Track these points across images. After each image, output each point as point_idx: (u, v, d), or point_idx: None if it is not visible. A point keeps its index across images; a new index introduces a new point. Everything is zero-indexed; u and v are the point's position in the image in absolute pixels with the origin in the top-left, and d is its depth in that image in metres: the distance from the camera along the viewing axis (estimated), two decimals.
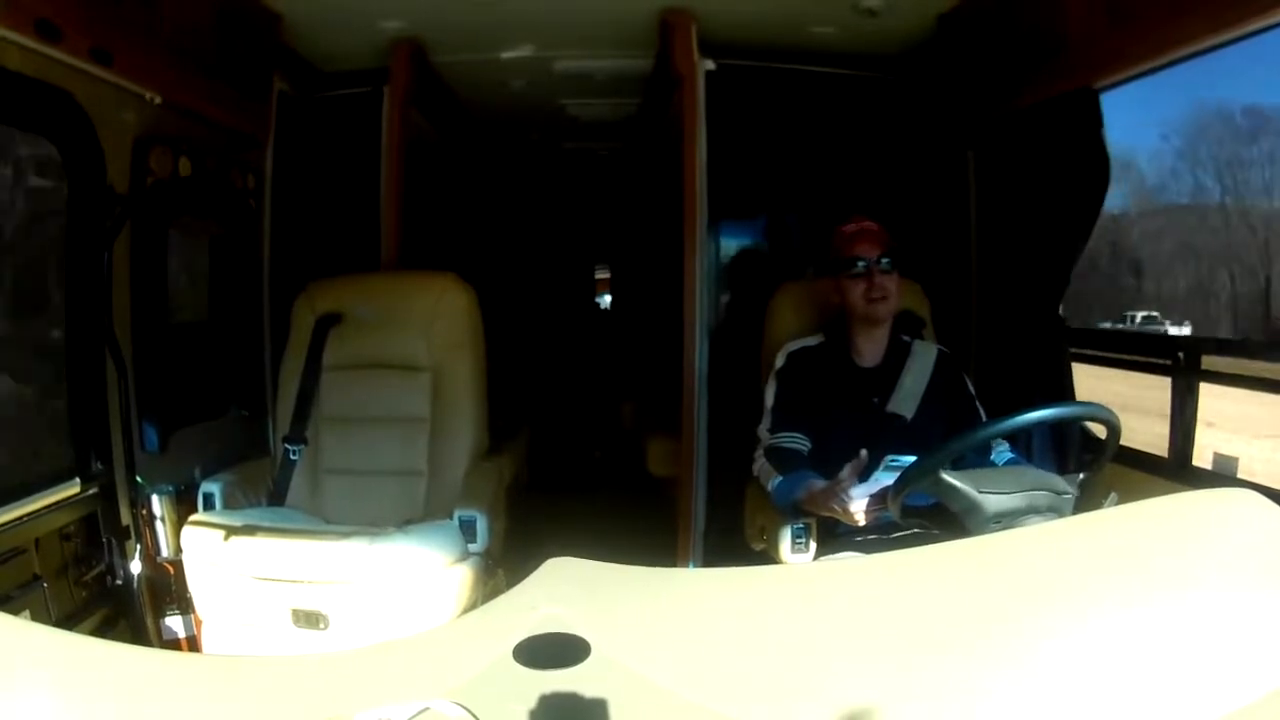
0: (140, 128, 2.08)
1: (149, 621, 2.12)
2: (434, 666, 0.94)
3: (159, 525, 2.15)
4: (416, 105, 3.07)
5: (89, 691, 0.91)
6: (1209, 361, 2.03)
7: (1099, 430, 1.70)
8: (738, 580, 1.17)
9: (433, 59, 3.06)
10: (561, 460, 4.64)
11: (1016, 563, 1.13)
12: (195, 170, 2.27)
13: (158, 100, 2.09)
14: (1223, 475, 1.95)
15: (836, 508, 1.68)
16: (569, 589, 1.04)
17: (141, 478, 2.13)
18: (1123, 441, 1.59)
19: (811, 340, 2.10)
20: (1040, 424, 1.86)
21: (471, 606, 1.91)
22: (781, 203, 3.20)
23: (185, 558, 1.98)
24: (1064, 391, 2.36)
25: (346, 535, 1.92)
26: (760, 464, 2.00)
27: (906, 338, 2.08)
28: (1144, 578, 1.02)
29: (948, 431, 1.88)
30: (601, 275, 6.62)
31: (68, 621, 1.88)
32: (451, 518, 2.11)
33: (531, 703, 0.83)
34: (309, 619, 1.86)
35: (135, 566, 2.09)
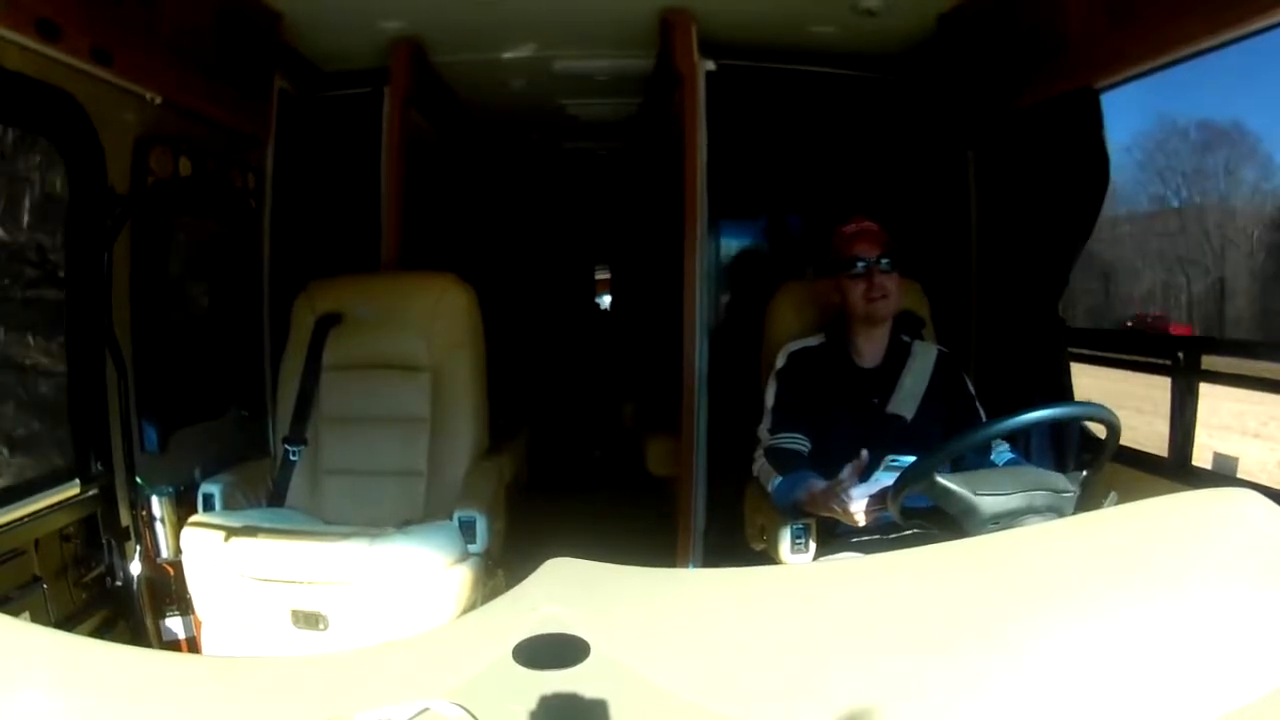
0: (140, 127, 2.08)
1: (149, 622, 2.12)
2: (434, 667, 0.94)
3: (159, 526, 2.14)
4: (417, 105, 3.07)
5: (89, 693, 0.91)
6: (1209, 361, 2.04)
7: (1099, 430, 1.70)
8: (737, 580, 1.17)
9: (433, 59, 3.06)
10: (561, 460, 4.64)
11: (1016, 563, 1.13)
12: (196, 170, 2.27)
13: (158, 100, 2.09)
14: (1223, 475, 1.95)
15: (837, 508, 1.68)
16: (569, 589, 1.04)
17: (141, 479, 2.13)
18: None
19: (812, 340, 2.10)
20: (1040, 424, 1.86)
21: (471, 607, 1.91)
22: (782, 203, 3.19)
23: (185, 559, 1.98)
24: (1063, 391, 2.36)
25: (346, 536, 1.92)
26: (760, 464, 2.00)
27: (906, 338, 2.08)
28: (1144, 577, 1.02)
29: (948, 432, 1.89)
30: (601, 275, 6.62)
31: (67, 623, 1.88)
32: (451, 518, 2.11)
33: (531, 703, 0.83)
34: (309, 620, 1.86)
35: (135, 567, 2.09)
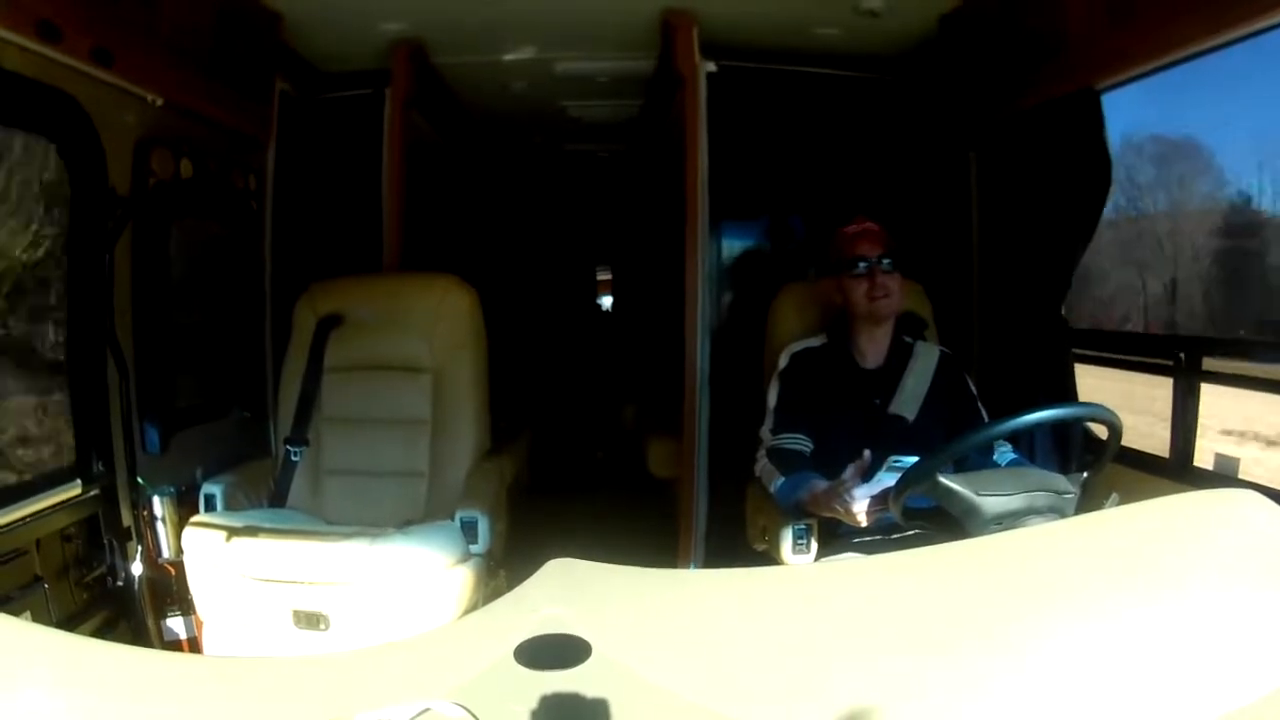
0: (141, 129, 2.08)
1: (150, 623, 2.12)
2: (435, 667, 0.94)
3: (160, 526, 2.14)
4: (418, 107, 3.07)
5: (90, 693, 0.91)
6: (1209, 362, 2.03)
7: (1101, 431, 1.70)
8: (739, 581, 1.17)
9: (434, 60, 3.07)
10: (563, 461, 4.64)
11: (1017, 563, 1.12)
12: (197, 171, 2.28)
13: (159, 101, 2.09)
14: (1224, 475, 1.94)
15: (839, 508, 1.68)
16: (570, 590, 1.04)
17: (143, 479, 2.13)
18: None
19: (814, 341, 2.10)
20: (1042, 425, 1.86)
21: (472, 607, 1.91)
22: (783, 204, 3.19)
23: (186, 559, 1.98)
24: (1066, 392, 2.35)
25: (348, 536, 1.92)
26: (762, 465, 2.00)
27: (909, 339, 2.08)
28: (1145, 578, 1.02)
29: (950, 433, 1.88)
30: (603, 277, 6.62)
31: (69, 623, 1.88)
32: (453, 519, 2.11)
33: (532, 703, 0.83)
34: (310, 620, 1.86)
35: (136, 568, 2.09)
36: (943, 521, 1.56)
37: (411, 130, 3.03)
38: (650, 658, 0.90)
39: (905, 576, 1.10)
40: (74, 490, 1.98)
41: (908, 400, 1.99)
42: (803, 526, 1.85)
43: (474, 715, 0.81)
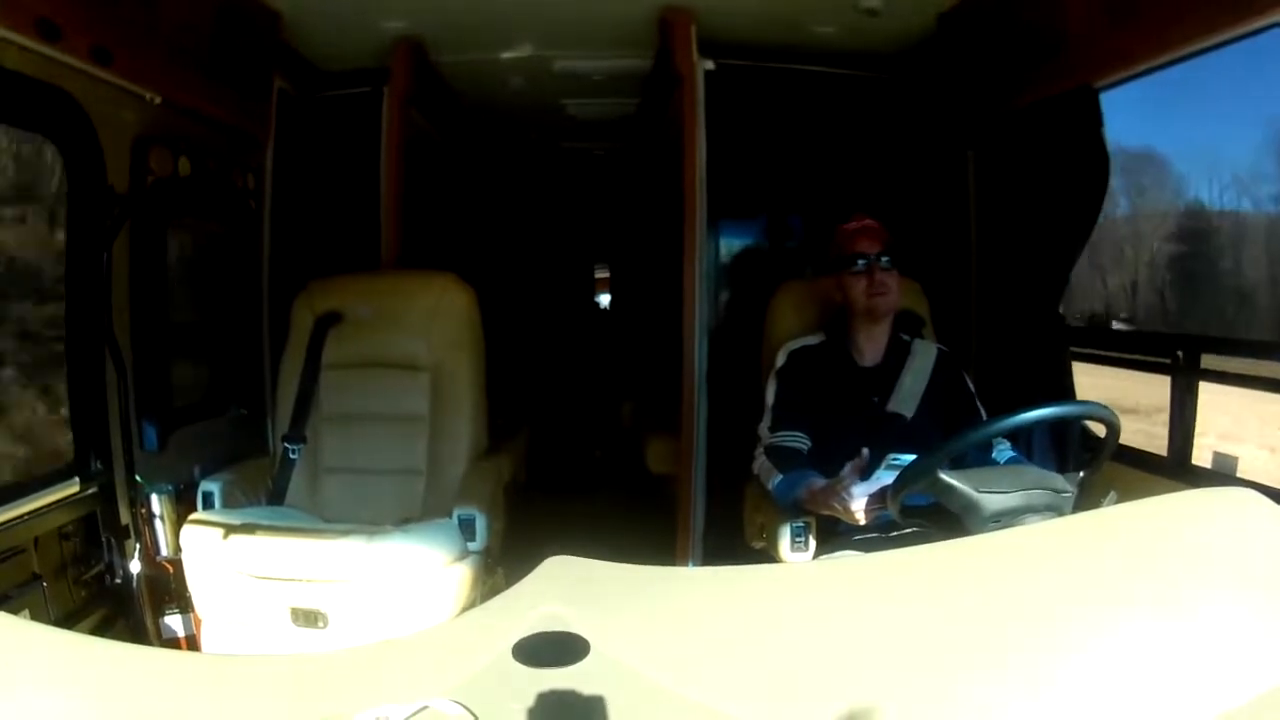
0: (140, 127, 2.08)
1: (148, 620, 2.12)
2: (433, 665, 0.94)
3: (158, 524, 2.15)
4: (416, 105, 3.07)
5: (88, 691, 0.91)
6: (1209, 361, 2.03)
7: (1099, 429, 1.70)
8: (737, 579, 1.17)
9: (433, 58, 3.06)
10: (561, 459, 4.64)
11: (1016, 562, 1.12)
12: (195, 170, 2.28)
13: (157, 100, 2.09)
14: (1223, 474, 1.95)
15: (837, 506, 1.69)
16: (568, 588, 1.04)
17: (141, 477, 2.13)
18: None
19: (812, 339, 2.10)
20: (1040, 423, 1.86)
21: (471, 605, 1.91)
22: (781, 202, 3.19)
23: (184, 557, 1.98)
24: (1064, 390, 2.36)
25: (346, 534, 1.92)
26: (760, 462, 2.00)
27: (906, 337, 2.08)
28: (1143, 576, 1.02)
29: (947, 431, 1.88)
30: (601, 275, 6.62)
31: (67, 621, 1.89)
32: (451, 516, 2.11)
33: (531, 701, 0.83)
34: (308, 618, 1.86)
35: (134, 565, 2.09)
36: (941, 519, 1.56)
37: (410, 128, 3.03)
38: (648, 655, 0.90)
39: (903, 575, 1.10)
40: (72, 488, 1.98)
41: (906, 398, 1.99)
42: (801, 524, 1.85)
43: (472, 713, 0.81)
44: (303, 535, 1.96)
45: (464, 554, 1.97)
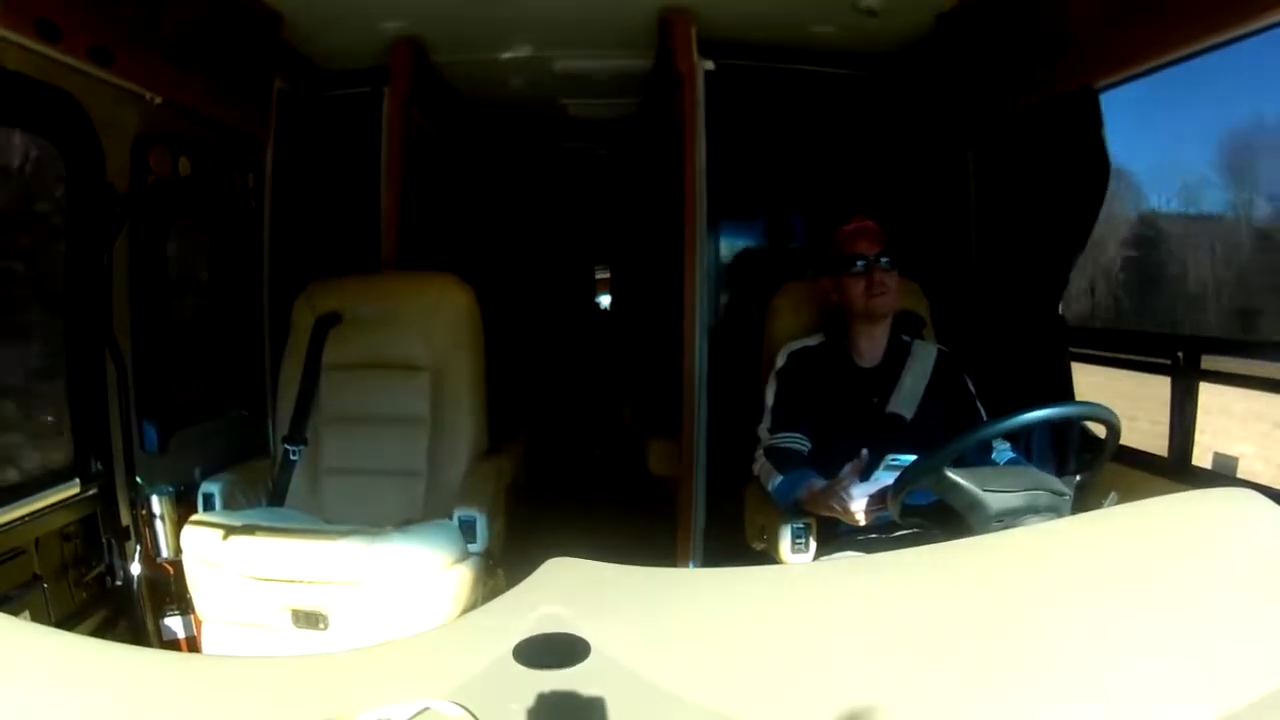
0: (140, 127, 2.08)
1: (149, 622, 2.12)
2: (434, 666, 0.94)
3: (159, 525, 2.14)
4: (416, 105, 3.06)
5: (89, 692, 0.91)
6: (1209, 361, 2.03)
7: (1099, 430, 1.70)
8: (738, 580, 1.17)
9: (433, 58, 3.06)
10: (562, 460, 4.64)
11: (1016, 562, 1.13)
12: (195, 170, 2.28)
13: (157, 100, 2.09)
14: (1223, 475, 1.95)
15: (837, 507, 1.69)
16: (569, 589, 1.04)
17: (141, 478, 2.13)
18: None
19: (812, 340, 2.10)
20: (1040, 423, 1.86)
21: (471, 606, 1.90)
22: (781, 203, 3.19)
23: (185, 558, 1.97)
24: (1064, 391, 2.36)
25: (346, 535, 1.92)
26: (761, 463, 2.00)
27: (906, 337, 2.08)
28: (1144, 577, 1.02)
29: (948, 431, 1.88)
30: (601, 275, 6.62)
31: (67, 622, 1.89)
32: (451, 518, 2.11)
33: (531, 703, 0.83)
34: (309, 619, 1.86)
35: (135, 567, 2.09)
36: (941, 519, 1.57)
37: (410, 128, 3.02)
38: (649, 657, 0.90)
39: (903, 575, 1.11)
40: (72, 489, 1.98)
41: (905, 399, 1.99)
42: (801, 525, 1.85)
43: (473, 714, 0.81)
44: (303, 536, 1.96)
45: (464, 555, 1.96)
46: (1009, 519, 1.44)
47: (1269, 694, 0.84)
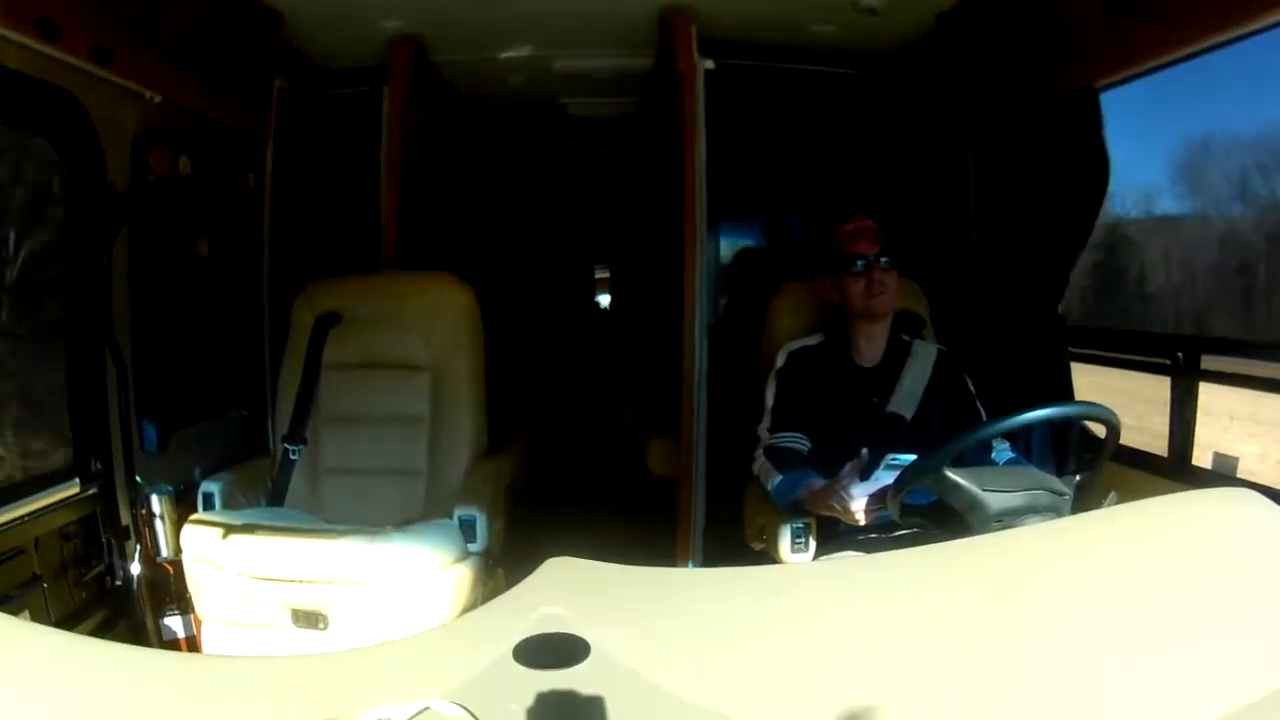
0: (140, 126, 2.07)
1: (148, 621, 2.12)
2: (433, 666, 0.94)
3: (158, 525, 2.14)
4: (416, 104, 3.06)
5: (88, 692, 0.91)
6: (1208, 361, 2.04)
7: (1099, 430, 1.70)
8: (737, 580, 1.17)
9: (433, 57, 3.06)
10: (561, 460, 4.64)
11: (1016, 562, 1.13)
12: (195, 169, 2.28)
13: (157, 99, 2.09)
14: (1223, 475, 1.95)
15: (837, 506, 1.69)
16: (569, 589, 1.04)
17: (141, 477, 2.13)
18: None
19: (812, 340, 2.10)
20: (1040, 423, 1.86)
21: (471, 606, 1.90)
22: (781, 202, 3.19)
23: (185, 558, 1.97)
24: (1064, 391, 2.36)
25: (346, 535, 1.92)
26: (760, 463, 2.00)
27: (906, 337, 2.08)
28: (1144, 577, 1.02)
29: (947, 431, 1.88)
30: (601, 275, 6.61)
31: (67, 621, 1.89)
32: (451, 517, 2.11)
33: (531, 702, 0.83)
34: (308, 619, 1.86)
35: (135, 566, 2.09)
36: (941, 519, 1.57)
37: (410, 127, 3.02)
38: (649, 657, 0.90)
39: (904, 575, 1.11)
40: (72, 489, 1.98)
41: (905, 398, 1.99)
42: (801, 525, 1.85)
43: (473, 714, 0.81)
44: (303, 536, 1.96)
45: (464, 555, 1.96)
46: (1009, 519, 1.44)
47: (1269, 694, 0.84)
